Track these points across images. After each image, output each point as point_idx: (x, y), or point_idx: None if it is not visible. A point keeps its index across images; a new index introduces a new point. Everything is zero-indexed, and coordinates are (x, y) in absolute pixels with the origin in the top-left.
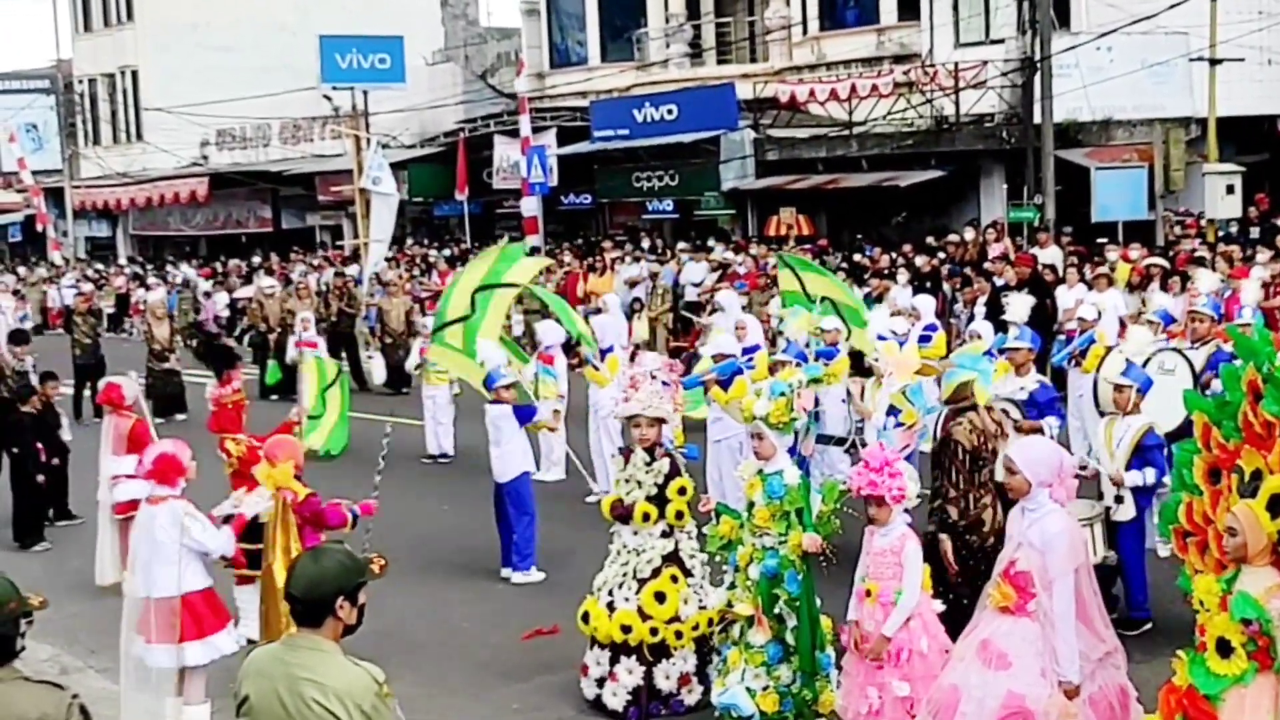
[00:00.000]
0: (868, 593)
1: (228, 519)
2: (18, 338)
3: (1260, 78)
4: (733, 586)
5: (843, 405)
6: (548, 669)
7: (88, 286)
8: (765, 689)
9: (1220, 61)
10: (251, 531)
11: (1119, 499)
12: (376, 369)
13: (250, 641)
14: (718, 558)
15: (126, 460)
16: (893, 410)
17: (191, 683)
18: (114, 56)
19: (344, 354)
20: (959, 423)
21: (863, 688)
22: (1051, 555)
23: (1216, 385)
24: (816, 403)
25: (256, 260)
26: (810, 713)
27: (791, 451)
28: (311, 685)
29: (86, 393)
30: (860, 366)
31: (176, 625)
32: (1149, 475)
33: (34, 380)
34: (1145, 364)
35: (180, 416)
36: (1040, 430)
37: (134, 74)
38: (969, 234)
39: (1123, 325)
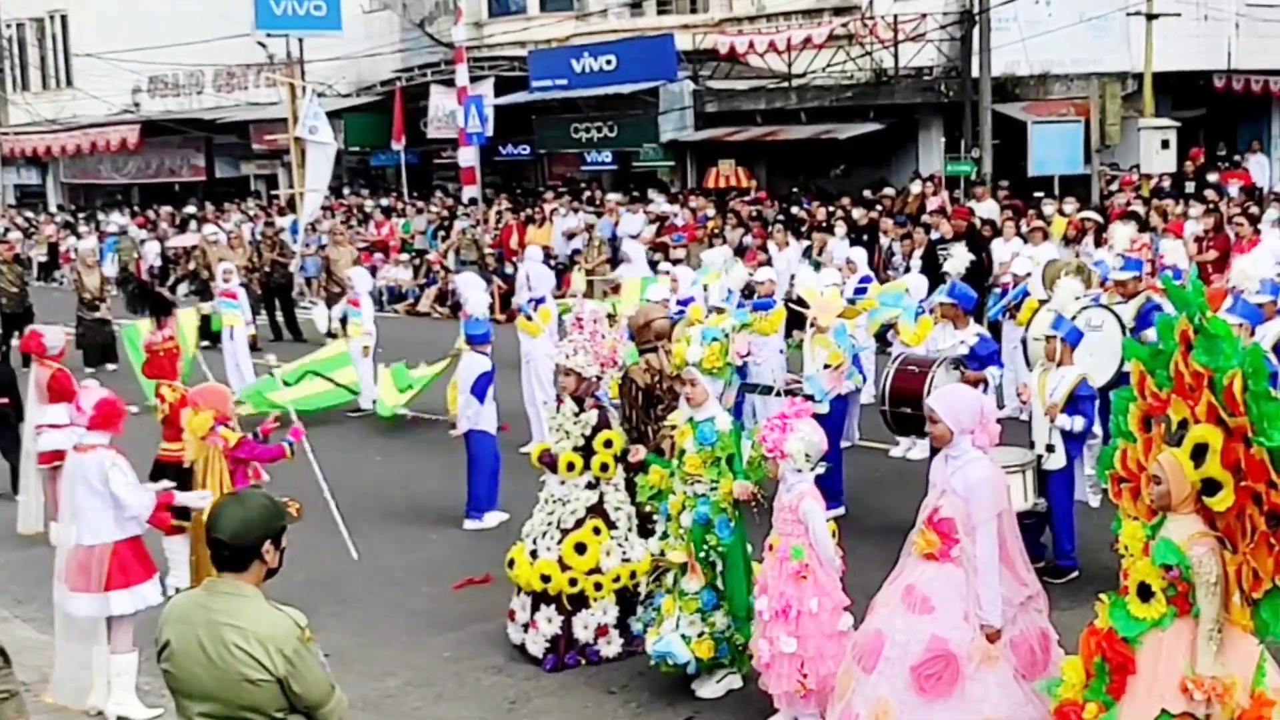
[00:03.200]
0: (770, 546)
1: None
2: None
3: (1197, 33)
4: (665, 536)
5: (779, 356)
6: (480, 618)
7: (15, 235)
8: (700, 635)
9: (1157, 16)
10: (182, 481)
11: (1050, 448)
12: (319, 317)
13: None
14: (648, 507)
15: (52, 409)
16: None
17: (118, 632)
18: (43, 0)
19: (278, 303)
20: (637, 362)
21: (756, 639)
22: (975, 502)
23: (1149, 335)
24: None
25: (190, 210)
26: (746, 658)
27: None
28: (232, 630)
29: (15, 342)
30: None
31: (103, 574)
32: (1077, 422)
33: None
34: (1073, 319)
35: (111, 366)
36: (984, 382)
37: (64, 18)
38: (915, 187)
39: None
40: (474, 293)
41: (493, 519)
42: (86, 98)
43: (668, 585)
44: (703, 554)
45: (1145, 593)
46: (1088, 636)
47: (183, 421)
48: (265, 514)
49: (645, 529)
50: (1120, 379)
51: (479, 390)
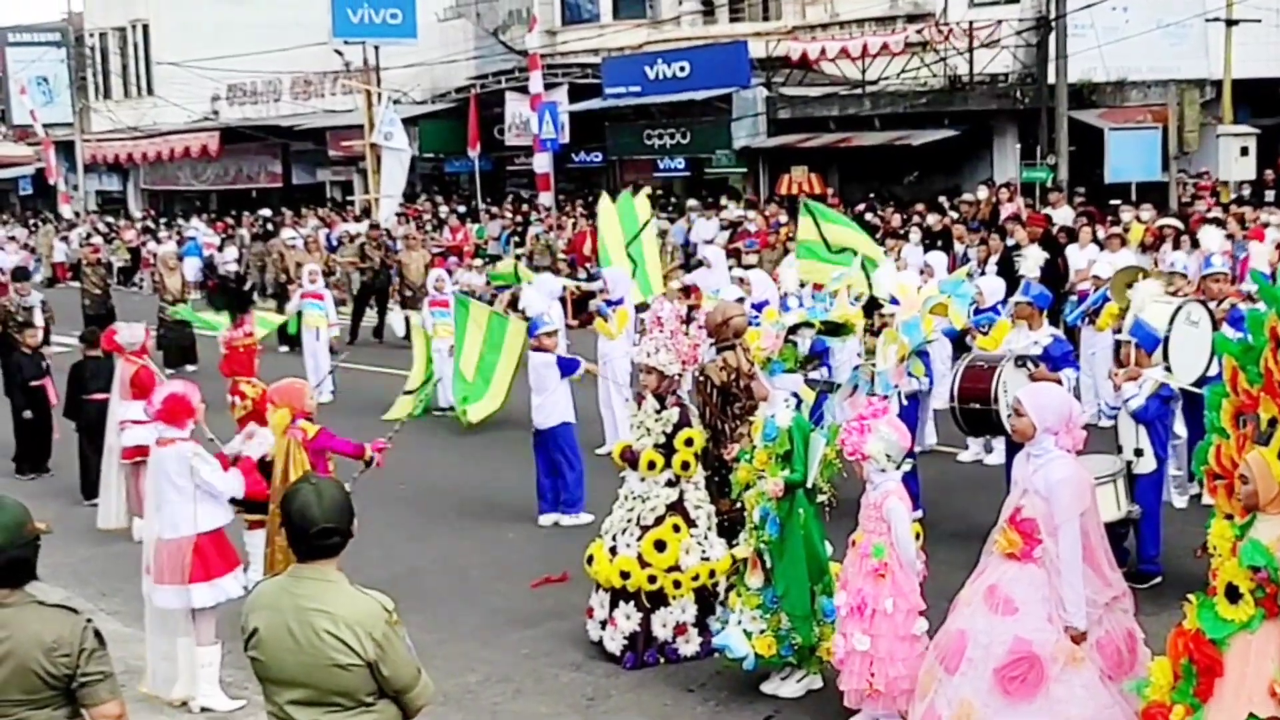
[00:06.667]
0: (853, 542)
1: (235, 459)
2: (20, 274)
3: (1276, 40)
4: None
5: (857, 358)
6: (557, 616)
7: (97, 239)
8: (762, 632)
9: (1237, 23)
10: (260, 474)
11: (1138, 452)
12: (397, 322)
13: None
14: (739, 504)
15: (135, 405)
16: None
17: (201, 624)
18: (125, 10)
19: (375, 306)
20: (714, 360)
21: (835, 635)
22: (1056, 502)
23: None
24: (828, 353)
25: (266, 213)
26: (813, 659)
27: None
28: (321, 615)
29: None
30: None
31: (185, 567)
32: (1135, 401)
33: (38, 317)
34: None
35: (190, 367)
36: (1056, 380)
37: (145, 28)
38: (982, 192)
39: None
40: (531, 292)
41: (586, 517)
42: (167, 105)
43: (736, 580)
44: (760, 551)
45: (1233, 594)
46: (1175, 637)
47: (269, 419)
48: (346, 495)
49: (738, 529)
50: (1205, 380)
51: (567, 371)
